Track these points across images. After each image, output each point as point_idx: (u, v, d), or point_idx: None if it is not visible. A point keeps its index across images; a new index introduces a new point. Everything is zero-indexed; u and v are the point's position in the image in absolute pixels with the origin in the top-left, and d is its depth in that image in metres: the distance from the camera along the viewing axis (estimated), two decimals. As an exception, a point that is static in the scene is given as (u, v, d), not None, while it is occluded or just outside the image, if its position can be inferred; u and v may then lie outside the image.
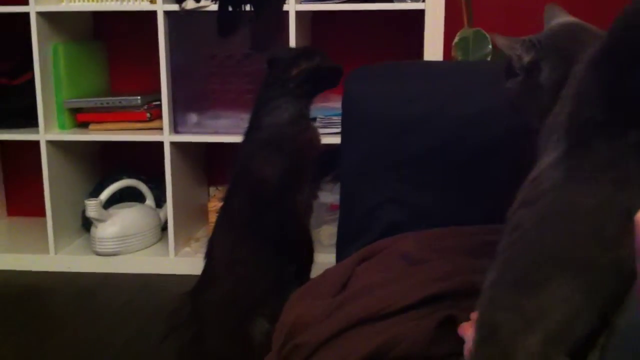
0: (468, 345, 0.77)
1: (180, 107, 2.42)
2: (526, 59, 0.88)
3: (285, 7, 2.24)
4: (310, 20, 2.57)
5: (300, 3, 2.29)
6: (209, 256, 1.62)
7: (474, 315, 0.81)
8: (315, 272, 1.21)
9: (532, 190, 0.72)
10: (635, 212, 0.49)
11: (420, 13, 2.19)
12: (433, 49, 2.19)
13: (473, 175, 1.25)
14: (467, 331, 0.79)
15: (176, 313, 1.61)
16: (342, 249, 1.35)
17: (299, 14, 2.26)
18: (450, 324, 0.86)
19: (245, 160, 1.62)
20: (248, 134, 1.63)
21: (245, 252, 1.57)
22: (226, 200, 1.64)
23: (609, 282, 0.64)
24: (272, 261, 1.59)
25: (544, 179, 0.70)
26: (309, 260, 1.66)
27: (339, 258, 1.33)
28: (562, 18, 0.93)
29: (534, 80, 0.87)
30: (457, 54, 2.22)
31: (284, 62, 1.60)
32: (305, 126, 1.63)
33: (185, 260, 2.45)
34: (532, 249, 0.69)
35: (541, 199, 0.69)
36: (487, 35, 2.21)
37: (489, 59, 2.19)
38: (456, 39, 2.24)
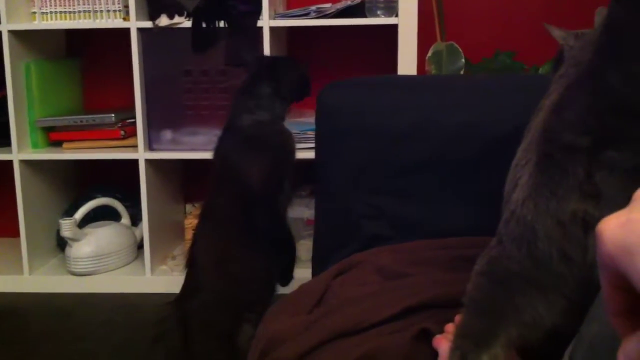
0: (442, 358, 0.77)
1: (155, 124, 2.41)
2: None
3: (260, 23, 2.24)
4: (285, 36, 2.57)
5: (274, 19, 2.30)
6: (192, 264, 1.61)
7: (449, 328, 0.81)
8: (293, 287, 1.20)
9: (509, 204, 0.72)
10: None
11: (394, 28, 2.21)
12: (407, 63, 2.20)
13: (457, 187, 1.25)
14: (442, 344, 0.79)
15: (162, 322, 1.60)
16: (319, 262, 1.34)
17: (273, 29, 2.26)
18: (426, 337, 0.86)
19: (227, 157, 1.62)
20: (227, 131, 1.64)
21: (235, 250, 1.57)
22: (210, 202, 1.63)
23: (580, 294, 0.64)
24: (261, 259, 1.59)
25: (519, 192, 0.71)
26: (292, 259, 1.67)
27: (315, 271, 1.33)
28: None
29: None
30: (430, 68, 2.24)
31: (280, 65, 1.63)
32: (283, 126, 1.66)
33: (162, 279, 2.43)
34: (504, 268, 0.69)
35: (513, 216, 0.70)
36: (460, 49, 2.23)
37: (462, 72, 2.21)
38: (430, 53, 2.26)
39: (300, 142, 2.23)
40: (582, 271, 0.63)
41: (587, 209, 0.62)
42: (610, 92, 0.59)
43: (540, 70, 2.21)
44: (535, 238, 0.65)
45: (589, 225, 0.62)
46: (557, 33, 0.89)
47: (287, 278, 1.65)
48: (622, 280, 0.38)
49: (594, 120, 0.61)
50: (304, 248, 2.39)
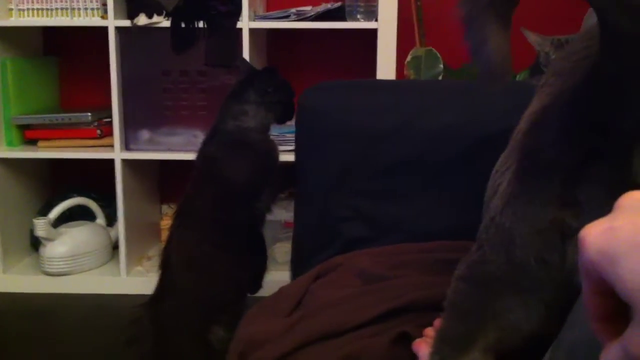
0: (422, 362, 0.77)
1: (132, 124, 2.39)
2: (553, 56, 0.89)
3: (239, 24, 2.24)
4: (265, 38, 2.57)
5: (254, 20, 2.29)
6: (165, 265, 1.60)
7: (428, 332, 0.82)
8: (270, 289, 1.20)
9: (489, 210, 0.73)
10: None
11: (374, 32, 2.22)
12: (386, 67, 2.21)
13: (438, 189, 1.25)
14: (421, 348, 0.79)
15: (133, 325, 1.58)
16: (299, 264, 1.34)
17: (252, 31, 2.26)
18: (405, 340, 0.86)
19: (209, 158, 1.62)
20: (212, 136, 1.64)
21: (207, 250, 1.56)
22: (186, 201, 1.63)
23: (557, 298, 0.65)
24: (233, 262, 1.59)
25: (498, 199, 0.71)
26: (262, 268, 1.67)
27: (294, 274, 1.33)
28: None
29: None
30: (409, 73, 2.26)
31: (272, 78, 1.64)
32: (268, 136, 1.67)
33: (138, 280, 2.41)
34: (484, 273, 0.70)
35: (493, 222, 0.70)
36: (439, 54, 2.25)
37: (440, 77, 2.23)
38: (408, 58, 2.27)
39: (279, 144, 2.23)
40: (560, 276, 0.64)
41: (564, 218, 0.63)
42: (591, 114, 0.59)
43: (518, 77, 2.23)
44: (513, 245, 0.66)
45: (566, 234, 0.63)
46: (533, 38, 0.90)
47: (256, 286, 1.66)
48: (604, 287, 0.38)
49: (573, 140, 0.61)
50: (281, 250, 2.39)
